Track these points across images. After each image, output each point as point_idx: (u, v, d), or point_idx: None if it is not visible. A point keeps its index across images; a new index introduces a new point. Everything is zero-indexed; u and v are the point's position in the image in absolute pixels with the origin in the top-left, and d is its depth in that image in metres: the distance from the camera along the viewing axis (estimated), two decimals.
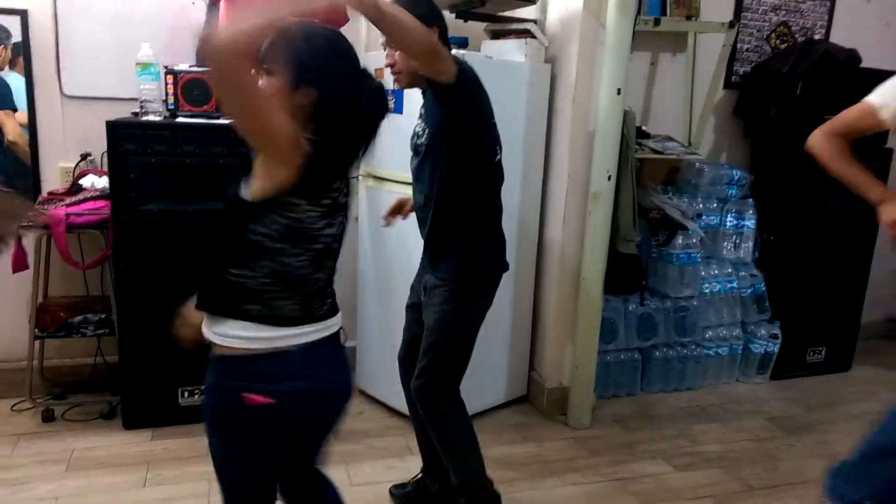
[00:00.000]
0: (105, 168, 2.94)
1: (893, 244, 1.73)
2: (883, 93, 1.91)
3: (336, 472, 2.16)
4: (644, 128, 3.56)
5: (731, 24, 3.47)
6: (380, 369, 3.20)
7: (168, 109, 2.83)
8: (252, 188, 1.36)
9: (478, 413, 3.13)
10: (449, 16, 2.51)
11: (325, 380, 1.52)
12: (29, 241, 2.85)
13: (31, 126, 3.00)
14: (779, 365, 3.79)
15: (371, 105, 1.45)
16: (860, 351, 4.02)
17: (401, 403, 3.08)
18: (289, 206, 1.36)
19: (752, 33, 3.82)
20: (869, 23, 4.01)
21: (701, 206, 3.59)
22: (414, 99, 2.70)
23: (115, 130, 2.68)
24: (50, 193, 2.92)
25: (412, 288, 2.34)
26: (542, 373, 3.31)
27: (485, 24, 3.27)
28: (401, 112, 2.82)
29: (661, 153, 3.44)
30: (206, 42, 1.17)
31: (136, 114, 2.83)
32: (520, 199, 3.08)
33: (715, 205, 3.64)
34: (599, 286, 3.02)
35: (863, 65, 3.62)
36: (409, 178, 2.86)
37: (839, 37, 3.88)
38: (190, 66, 2.86)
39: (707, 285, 3.63)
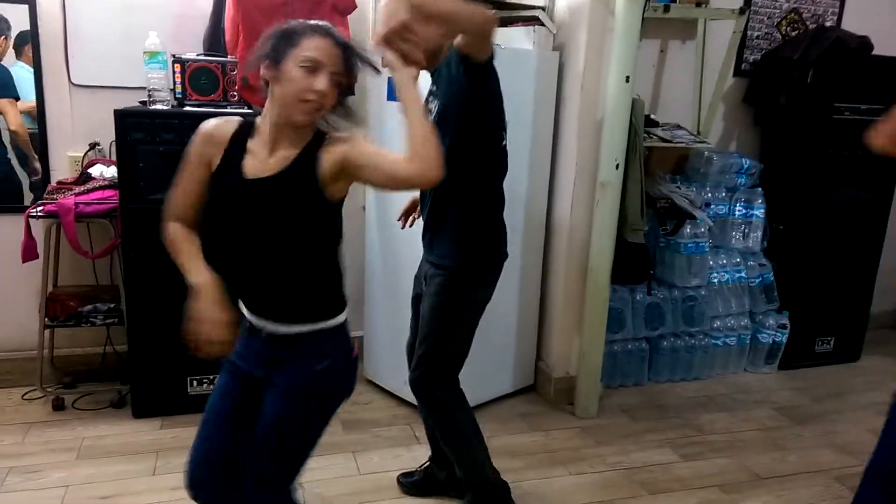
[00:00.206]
0: (113, 157, 2.94)
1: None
2: None
3: (344, 462, 2.20)
4: (653, 116, 3.54)
5: (742, 11, 3.43)
6: (387, 359, 3.21)
7: (176, 98, 2.83)
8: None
9: (484, 403, 3.13)
10: None
11: None
12: (38, 231, 2.86)
13: (40, 115, 3.01)
14: (787, 355, 3.77)
15: None
16: (869, 341, 4.00)
17: (408, 393, 3.09)
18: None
19: (763, 20, 3.79)
20: (881, 9, 3.96)
21: (710, 195, 3.57)
22: (421, 88, 2.69)
23: (124, 119, 2.68)
24: (59, 183, 2.92)
25: (416, 278, 2.33)
26: (549, 362, 3.31)
27: (492, 12, 3.25)
28: None
29: (670, 141, 3.41)
30: None
31: (143, 103, 2.83)
32: (527, 188, 3.07)
33: (724, 194, 3.62)
34: (607, 275, 3.01)
35: (875, 52, 3.58)
36: None
37: (851, 23, 3.84)
38: (197, 55, 2.86)
39: (715, 275, 3.62)
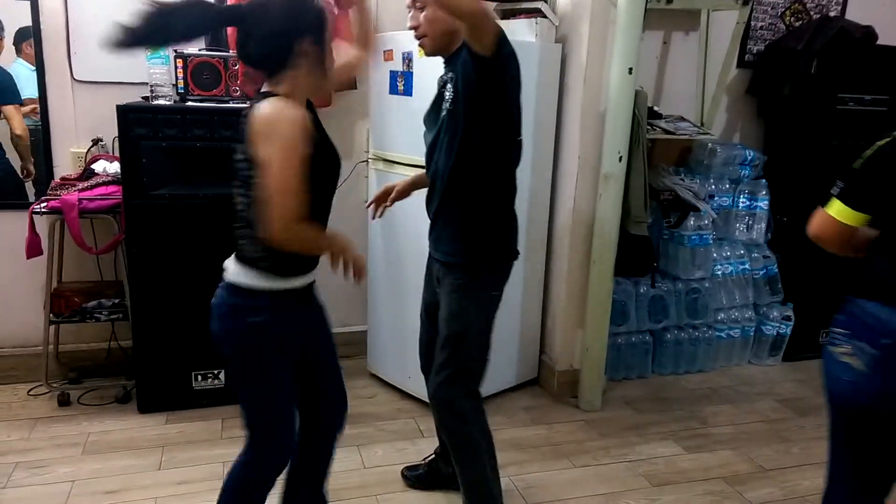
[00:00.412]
0: (116, 153, 2.95)
1: None
2: None
3: (348, 455, 2.20)
4: (656, 108, 3.52)
5: (745, 2, 3.40)
6: (390, 353, 3.22)
7: (178, 93, 2.83)
8: None
9: (488, 396, 3.13)
10: None
11: None
12: (42, 227, 2.87)
13: (43, 112, 3.01)
14: (791, 347, 3.77)
15: None
16: None
17: (412, 387, 3.11)
18: None
19: (767, 10, 3.76)
20: None
21: (713, 186, 3.56)
22: (425, 82, 2.69)
23: (126, 115, 2.68)
24: (62, 179, 2.93)
25: (426, 282, 2.26)
26: (553, 355, 3.31)
27: (495, 4, 3.24)
28: (410, 94, 2.80)
29: (673, 133, 3.40)
30: None
31: (146, 98, 2.83)
32: (530, 181, 3.06)
33: (727, 185, 3.62)
34: (610, 268, 3.01)
35: (879, 42, 3.56)
36: (418, 161, 2.86)
37: (855, 14, 3.82)
38: (199, 50, 2.86)
39: (719, 267, 3.61)
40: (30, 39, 2.94)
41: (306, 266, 1.70)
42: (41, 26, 2.93)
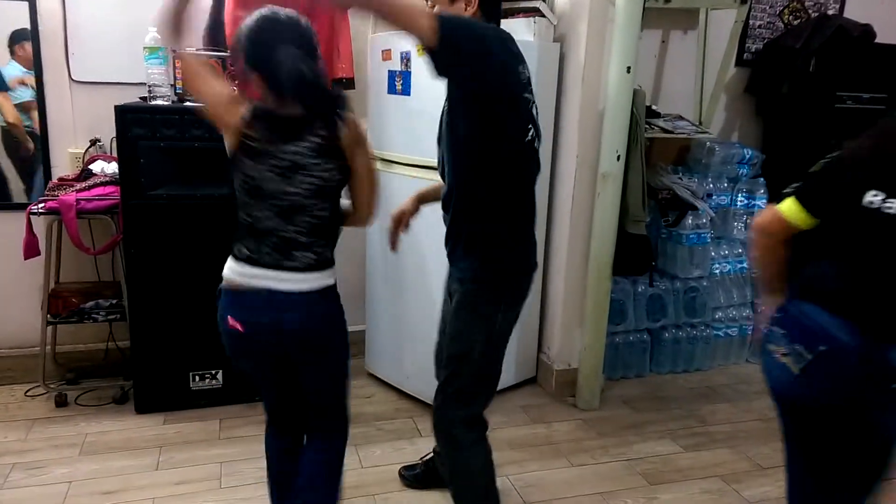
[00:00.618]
0: (114, 153, 2.94)
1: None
2: None
3: (347, 455, 2.18)
4: (654, 107, 3.52)
5: (744, 0, 3.41)
6: (388, 352, 3.21)
7: (176, 94, 2.83)
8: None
9: None
10: None
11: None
12: (40, 228, 2.86)
13: (41, 112, 3.00)
14: None
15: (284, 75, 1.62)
16: None
17: (410, 386, 3.11)
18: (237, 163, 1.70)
19: (765, 9, 3.76)
20: None
21: (711, 185, 3.56)
22: (423, 82, 2.69)
23: (124, 115, 2.68)
24: (60, 179, 2.92)
25: (445, 291, 2.14)
26: (551, 354, 3.31)
27: None
28: (408, 94, 2.80)
29: (672, 132, 3.40)
30: None
31: (144, 98, 2.82)
32: None
33: (726, 184, 3.61)
34: (608, 267, 3.01)
35: (877, 40, 3.56)
36: (417, 160, 2.86)
37: (853, 12, 3.81)
38: (197, 50, 2.85)
39: (717, 266, 3.61)
40: (23, 42, 2.93)
41: None
42: (39, 27, 2.92)
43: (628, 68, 2.79)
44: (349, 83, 3.15)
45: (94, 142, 3.05)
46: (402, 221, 2.20)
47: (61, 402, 2.99)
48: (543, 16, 3.01)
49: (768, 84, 3.71)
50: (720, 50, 3.55)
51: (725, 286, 3.66)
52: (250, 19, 1.67)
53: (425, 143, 2.57)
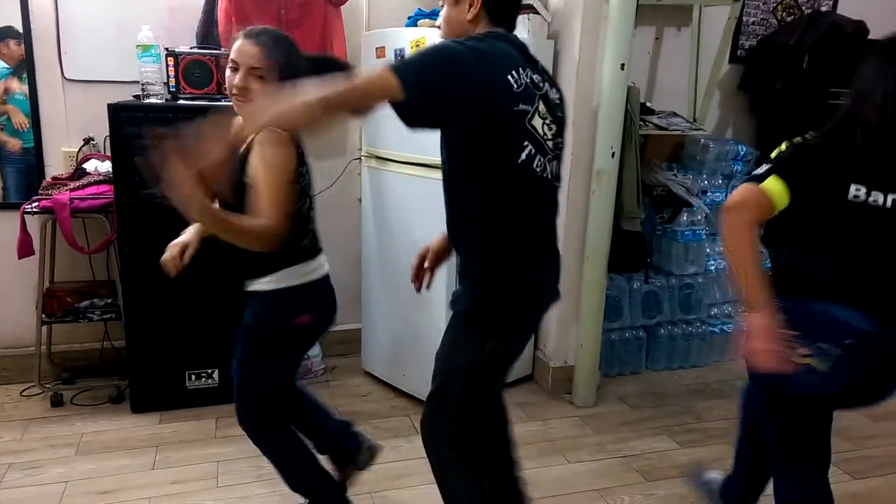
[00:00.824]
0: (108, 152, 2.93)
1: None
2: None
3: None
4: (648, 104, 3.52)
5: None
6: (385, 351, 3.21)
7: (170, 92, 2.82)
8: None
9: None
10: None
11: None
12: (34, 227, 2.85)
13: (34, 111, 2.99)
14: None
15: None
16: None
17: (406, 384, 3.11)
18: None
19: (759, 6, 3.77)
20: None
21: (706, 182, 3.56)
22: None
23: (117, 113, 2.67)
24: (54, 178, 2.91)
25: None
26: (547, 352, 3.32)
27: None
28: None
29: (666, 129, 3.40)
30: None
31: (137, 97, 2.82)
32: None
33: (720, 181, 3.62)
34: (604, 264, 3.01)
35: (870, 37, 3.57)
36: (411, 158, 2.86)
37: (846, 8, 3.83)
38: (190, 48, 2.85)
39: (712, 262, 3.62)
40: (7, 40, 2.91)
41: None
42: (31, 25, 2.91)
43: (622, 65, 2.79)
44: None
45: (87, 140, 3.04)
46: (424, 259, 2.02)
47: (57, 402, 2.98)
48: (537, 13, 3.01)
49: (762, 81, 3.71)
50: (714, 47, 3.56)
51: (720, 282, 3.66)
52: None
53: (419, 140, 2.56)
